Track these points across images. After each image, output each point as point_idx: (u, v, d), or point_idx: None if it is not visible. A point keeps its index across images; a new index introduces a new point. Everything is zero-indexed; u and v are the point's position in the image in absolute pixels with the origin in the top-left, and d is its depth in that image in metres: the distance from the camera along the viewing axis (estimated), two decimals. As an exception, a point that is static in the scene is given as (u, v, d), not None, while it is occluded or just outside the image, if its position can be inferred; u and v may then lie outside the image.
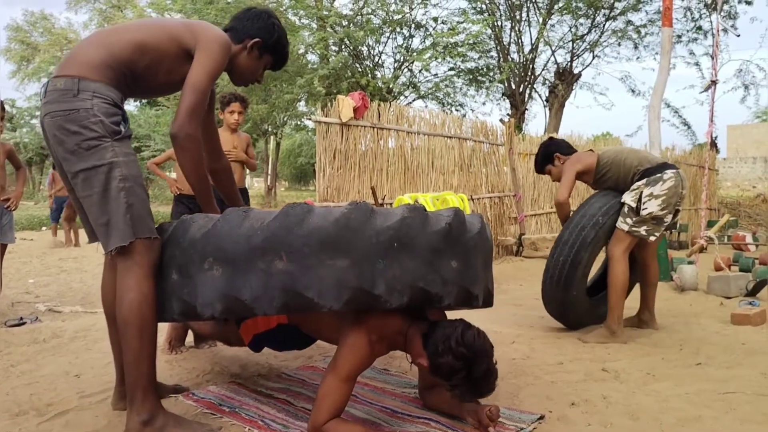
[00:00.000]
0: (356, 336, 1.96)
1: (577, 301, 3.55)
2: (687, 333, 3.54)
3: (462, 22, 13.34)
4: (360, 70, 13.69)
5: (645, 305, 3.72)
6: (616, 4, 14.04)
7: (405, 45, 13.99)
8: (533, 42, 14.36)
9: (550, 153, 3.79)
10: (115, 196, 1.95)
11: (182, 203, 4.66)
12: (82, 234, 9.73)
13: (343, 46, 13.50)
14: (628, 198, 3.41)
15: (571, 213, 3.61)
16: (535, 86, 15.47)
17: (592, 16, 14.44)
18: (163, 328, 3.04)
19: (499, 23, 14.46)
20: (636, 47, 15.23)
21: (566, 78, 14.97)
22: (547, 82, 15.64)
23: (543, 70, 15.53)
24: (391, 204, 6.02)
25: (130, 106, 21.71)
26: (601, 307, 3.66)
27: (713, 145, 13.36)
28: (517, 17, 14.49)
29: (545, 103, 15.59)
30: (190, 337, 3.19)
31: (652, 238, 3.44)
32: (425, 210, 1.95)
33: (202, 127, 2.19)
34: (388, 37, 13.84)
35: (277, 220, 1.84)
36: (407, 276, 1.84)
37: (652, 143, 5.74)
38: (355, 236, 1.81)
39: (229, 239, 1.87)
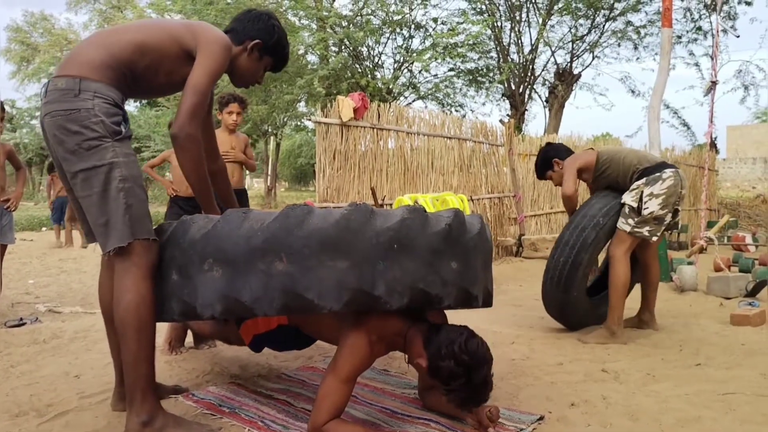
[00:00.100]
0: (356, 337, 1.97)
1: (577, 301, 3.55)
2: (687, 334, 3.55)
3: (462, 23, 13.34)
4: (360, 70, 13.69)
5: (645, 306, 3.72)
6: (616, 5, 14.04)
7: (405, 45, 13.99)
8: (533, 42, 14.37)
9: (549, 158, 3.80)
10: (114, 197, 1.95)
11: (177, 205, 4.68)
12: (75, 235, 9.75)
13: (342, 47, 13.50)
14: (629, 198, 3.41)
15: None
16: (534, 87, 15.48)
17: (591, 17, 14.45)
18: (163, 329, 3.05)
19: (499, 24, 14.46)
20: (636, 48, 15.24)
21: (566, 78, 14.97)
22: (546, 82, 15.64)
23: (543, 70, 15.54)
24: (390, 205, 6.03)
25: (130, 106, 21.69)
26: (601, 308, 3.66)
27: (713, 145, 13.36)
28: (517, 18, 14.49)
29: (545, 103, 15.60)
30: (189, 338, 3.19)
31: (654, 239, 3.44)
32: (425, 211, 1.95)
33: (201, 128, 2.20)
34: (388, 38, 13.84)
35: (277, 222, 1.84)
36: (407, 277, 1.85)
37: (651, 144, 5.74)
38: (355, 237, 1.81)
39: (229, 240, 1.87)
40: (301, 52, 12.85)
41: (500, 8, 14.53)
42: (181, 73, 2.10)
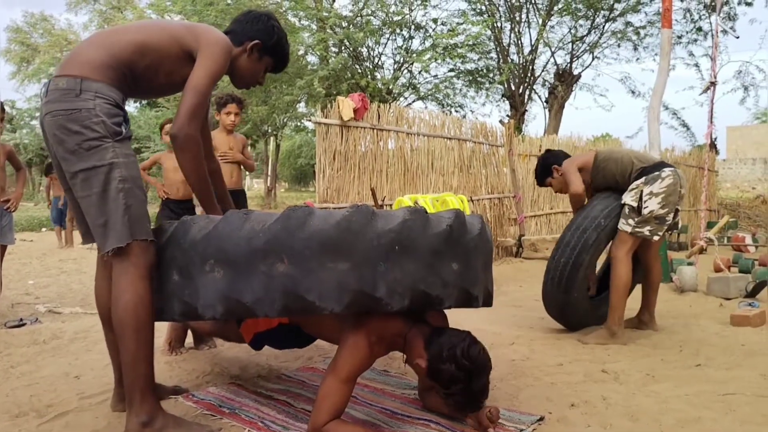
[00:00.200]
0: (356, 337, 1.97)
1: (577, 302, 3.55)
2: (686, 334, 3.55)
3: (462, 24, 13.35)
4: (360, 71, 13.69)
5: (646, 307, 3.72)
6: (616, 6, 14.06)
7: (405, 46, 14.00)
8: (533, 43, 14.39)
9: (548, 165, 3.80)
10: (114, 197, 1.95)
11: (168, 208, 4.70)
12: (75, 236, 9.74)
13: (342, 48, 13.51)
14: (628, 198, 3.41)
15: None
16: (534, 87, 15.51)
17: (591, 18, 14.47)
18: (163, 330, 3.05)
19: (499, 24, 14.48)
20: (635, 48, 15.27)
21: (566, 79, 14.99)
22: (546, 83, 15.66)
23: (543, 71, 15.57)
24: (390, 205, 6.03)
25: (131, 107, 21.71)
26: (601, 308, 3.66)
27: (713, 146, 13.38)
28: (517, 18, 14.51)
29: (545, 104, 15.62)
30: (189, 339, 3.19)
31: (656, 238, 3.44)
32: (426, 212, 1.95)
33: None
34: (388, 39, 13.85)
35: (278, 223, 1.84)
36: (408, 279, 1.85)
37: (651, 144, 5.74)
38: (356, 239, 1.81)
39: (230, 241, 1.87)
40: (301, 52, 12.86)
41: (500, 9, 14.56)
42: (182, 74, 2.10)
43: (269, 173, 23.10)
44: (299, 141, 35.98)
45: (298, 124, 19.68)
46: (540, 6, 14.41)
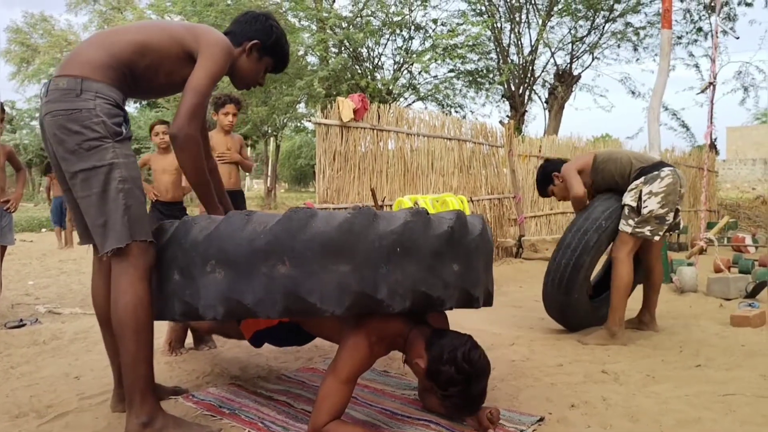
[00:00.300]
0: (356, 338, 1.97)
1: (578, 304, 3.55)
2: (687, 335, 3.55)
3: (461, 24, 13.36)
4: (360, 71, 13.69)
5: (646, 307, 3.72)
6: (616, 6, 14.06)
7: (404, 47, 13.99)
8: (533, 44, 14.39)
9: (548, 173, 3.81)
10: (114, 197, 1.95)
11: (157, 209, 4.71)
12: (75, 236, 9.77)
13: (342, 48, 13.51)
14: (628, 198, 3.41)
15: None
16: (534, 88, 15.50)
17: (591, 18, 14.47)
18: (162, 330, 3.05)
19: (499, 25, 14.48)
20: (635, 49, 15.27)
21: (566, 80, 14.99)
22: (546, 83, 15.66)
23: (542, 71, 15.57)
24: (390, 206, 6.03)
25: (130, 107, 21.74)
26: (602, 309, 3.66)
27: (712, 146, 13.38)
28: (517, 19, 14.52)
29: (545, 104, 15.62)
30: (189, 339, 3.19)
31: (657, 238, 3.44)
32: (428, 213, 1.95)
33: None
34: (388, 39, 13.85)
35: (280, 224, 1.84)
36: (409, 280, 1.85)
37: (651, 145, 5.74)
38: (358, 241, 1.81)
39: (232, 242, 1.87)
40: (301, 53, 12.86)
41: (500, 9, 14.56)
42: (182, 74, 2.10)
43: (269, 174, 23.11)
44: (299, 141, 36.01)
45: (298, 124, 19.69)
46: (540, 6, 14.41)
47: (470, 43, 12.94)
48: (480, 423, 2.03)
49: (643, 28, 14.69)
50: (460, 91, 15.42)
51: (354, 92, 9.41)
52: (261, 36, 2.27)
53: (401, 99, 14.22)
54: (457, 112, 15.43)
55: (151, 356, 2.01)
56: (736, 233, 9.89)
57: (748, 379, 2.66)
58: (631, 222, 3.38)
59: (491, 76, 15.03)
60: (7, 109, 6.91)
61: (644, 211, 3.34)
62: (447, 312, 2.23)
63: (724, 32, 10.46)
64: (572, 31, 14.88)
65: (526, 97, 15.18)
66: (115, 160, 1.95)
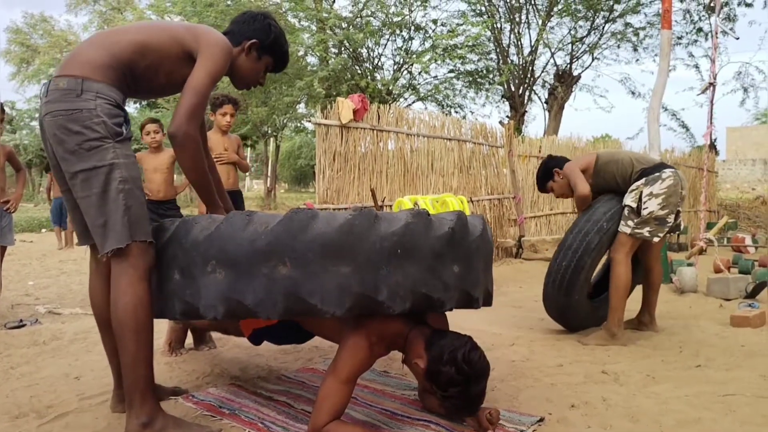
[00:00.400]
0: (356, 338, 1.97)
1: (578, 305, 3.55)
2: (686, 335, 3.55)
3: (461, 24, 13.36)
4: (359, 72, 13.69)
5: (646, 308, 3.72)
6: (615, 7, 14.06)
7: (404, 47, 13.99)
8: (533, 44, 14.39)
9: (550, 169, 3.79)
10: (114, 198, 1.94)
11: (149, 209, 4.68)
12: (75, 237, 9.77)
13: (342, 48, 13.51)
14: (629, 199, 3.41)
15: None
16: (534, 88, 15.51)
17: (591, 19, 14.47)
18: (162, 331, 3.05)
19: (499, 25, 14.49)
20: (635, 49, 15.27)
21: (566, 80, 15.00)
22: (546, 84, 15.66)
23: (542, 72, 15.57)
24: (390, 206, 6.03)
25: (130, 107, 21.73)
26: (601, 309, 3.66)
27: (712, 147, 13.38)
28: (517, 19, 14.52)
29: (545, 105, 15.62)
30: (189, 340, 3.19)
31: (656, 239, 3.44)
32: (428, 215, 1.95)
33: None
34: (388, 40, 13.85)
35: (281, 225, 1.84)
36: (410, 282, 1.85)
37: (651, 145, 5.74)
38: (359, 242, 1.81)
39: (233, 242, 1.87)
40: (300, 53, 12.86)
41: (500, 10, 14.56)
42: (182, 74, 2.10)
43: (269, 174, 23.11)
44: (299, 142, 36.04)
45: (298, 125, 19.70)
46: (540, 7, 14.42)
47: (470, 44, 12.94)
48: (480, 423, 2.04)
49: (643, 28, 14.69)
50: (460, 91, 15.43)
51: (354, 92, 9.41)
52: (259, 35, 2.27)
53: (401, 99, 14.22)
54: (457, 112, 15.45)
55: (151, 357, 2.01)
56: (735, 233, 9.89)
57: (748, 379, 2.66)
58: (630, 223, 3.38)
59: (491, 76, 15.03)
60: (7, 109, 6.91)
61: (644, 212, 3.34)
62: (447, 312, 2.23)
63: (724, 33, 10.47)
64: (572, 32, 14.89)
65: (526, 98, 15.18)
66: (115, 161, 1.95)
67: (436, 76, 14.78)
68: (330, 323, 2.21)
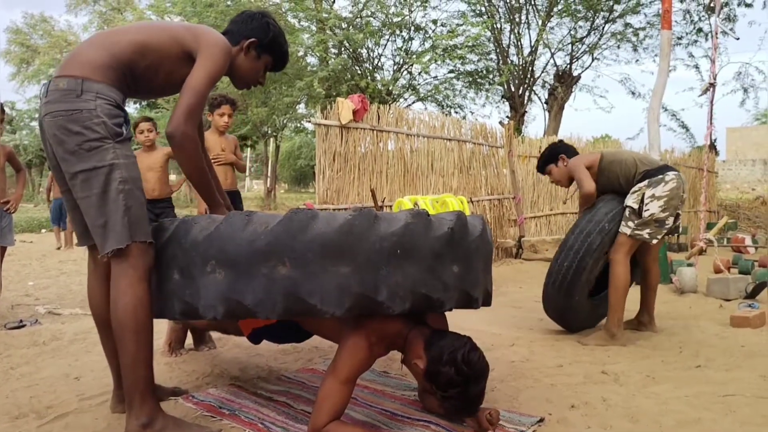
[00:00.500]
0: (356, 338, 1.97)
1: (579, 306, 3.55)
2: (686, 335, 3.55)
3: (461, 25, 13.36)
4: (359, 72, 13.69)
5: (645, 308, 3.72)
6: (615, 7, 14.06)
7: (404, 47, 13.99)
8: (532, 44, 14.39)
9: (556, 153, 3.78)
10: (114, 198, 1.95)
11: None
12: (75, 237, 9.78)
13: (342, 49, 13.51)
14: (630, 200, 3.41)
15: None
16: (534, 89, 15.50)
17: (591, 19, 14.47)
18: (162, 331, 3.05)
19: (499, 26, 14.49)
20: (635, 50, 15.26)
21: (565, 80, 14.99)
22: (546, 84, 15.66)
23: (542, 72, 15.56)
24: (390, 206, 6.03)
25: (130, 108, 21.74)
26: (601, 307, 3.67)
27: (712, 147, 13.38)
28: (517, 20, 14.52)
29: (545, 105, 15.62)
30: (189, 340, 3.19)
31: (655, 241, 3.44)
32: (428, 215, 1.95)
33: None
34: (388, 40, 13.85)
35: (281, 225, 1.84)
36: (409, 282, 1.85)
37: (651, 145, 5.75)
38: (358, 243, 1.81)
39: (232, 242, 1.87)
40: (300, 53, 12.86)
41: (500, 10, 14.56)
42: (181, 74, 2.10)
43: (269, 174, 23.10)
44: (299, 142, 36.04)
45: (298, 125, 19.70)
46: (539, 7, 14.42)
47: (470, 44, 12.94)
48: (479, 424, 2.04)
49: (643, 28, 14.69)
50: (460, 91, 15.43)
51: (354, 93, 9.41)
52: (258, 34, 2.27)
53: (401, 100, 14.22)
54: (456, 112, 15.45)
55: (150, 357, 2.01)
56: (735, 234, 9.89)
57: (748, 379, 2.66)
58: (631, 224, 3.38)
59: (491, 76, 15.03)
60: (7, 109, 6.91)
61: (645, 214, 3.35)
62: (446, 312, 2.23)
63: (724, 33, 10.47)
64: (572, 32, 14.88)
65: (526, 98, 15.18)
66: (115, 161, 1.95)
67: (436, 77, 14.79)
68: (329, 323, 2.21)
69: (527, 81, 15.07)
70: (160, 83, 2.16)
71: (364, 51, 13.87)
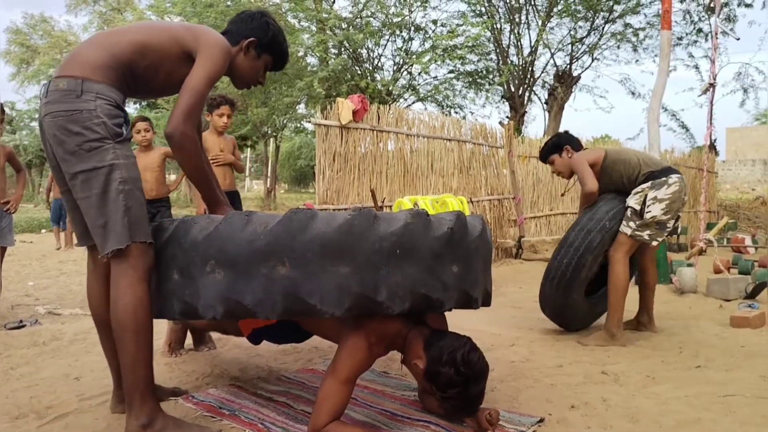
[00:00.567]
0: (356, 338, 1.97)
1: (576, 304, 3.55)
2: (686, 336, 3.55)
3: (461, 25, 13.36)
4: (359, 72, 13.69)
5: (644, 308, 3.72)
6: (615, 7, 14.07)
7: (404, 48, 14.00)
8: (532, 44, 14.40)
9: (562, 143, 3.76)
10: (114, 198, 1.95)
11: None
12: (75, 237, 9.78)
13: (342, 49, 13.51)
14: (632, 201, 3.41)
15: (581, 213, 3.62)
16: (534, 89, 15.51)
17: (591, 19, 14.47)
18: (162, 331, 3.05)
19: (499, 26, 14.49)
20: (635, 50, 15.26)
21: (565, 80, 15.00)
22: (546, 84, 15.66)
23: (542, 72, 15.57)
24: (390, 207, 6.03)
25: (130, 108, 21.74)
26: (598, 305, 3.66)
27: (712, 147, 13.39)
28: (517, 20, 14.52)
29: (544, 105, 15.62)
30: (189, 340, 3.19)
31: (655, 243, 3.44)
32: (428, 215, 1.95)
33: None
34: (388, 40, 13.85)
35: (280, 225, 1.84)
36: (409, 282, 1.85)
37: (651, 146, 5.75)
38: (358, 242, 1.81)
39: (232, 242, 1.87)
40: (300, 54, 12.86)
41: (500, 10, 14.56)
42: (181, 74, 2.10)
43: (269, 174, 23.09)
44: (299, 142, 36.04)
45: (298, 125, 19.70)
46: (539, 7, 14.42)
47: (470, 44, 12.94)
48: (479, 424, 2.04)
49: (643, 29, 14.69)
50: (460, 92, 15.44)
51: (354, 93, 9.41)
52: (257, 33, 2.27)
53: (401, 100, 14.22)
54: (456, 113, 15.45)
55: (150, 357, 2.01)
56: (735, 234, 9.89)
57: (748, 380, 2.66)
58: (632, 224, 3.38)
59: (491, 77, 15.03)
60: (7, 110, 6.91)
61: (647, 215, 3.35)
62: (446, 312, 2.23)
63: (724, 33, 10.47)
64: (572, 32, 14.88)
65: (526, 98, 15.18)
66: (115, 161, 1.95)
67: (436, 77, 14.79)
68: (329, 323, 2.21)
69: (527, 81, 15.07)
70: (160, 83, 2.16)
71: (364, 51, 13.87)
